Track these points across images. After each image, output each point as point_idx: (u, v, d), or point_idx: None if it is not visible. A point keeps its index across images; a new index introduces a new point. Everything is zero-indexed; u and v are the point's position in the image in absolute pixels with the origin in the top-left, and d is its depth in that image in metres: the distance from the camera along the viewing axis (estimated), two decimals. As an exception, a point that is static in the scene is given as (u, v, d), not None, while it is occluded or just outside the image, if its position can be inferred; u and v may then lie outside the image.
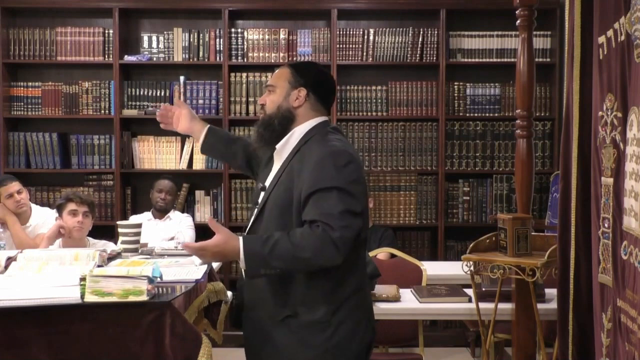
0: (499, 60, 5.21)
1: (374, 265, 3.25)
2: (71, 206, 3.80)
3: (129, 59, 5.19)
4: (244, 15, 5.37)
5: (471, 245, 3.18)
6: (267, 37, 5.22)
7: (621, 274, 2.28)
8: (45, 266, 2.49)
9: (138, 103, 5.25)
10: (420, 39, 5.18)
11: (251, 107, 5.21)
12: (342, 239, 2.06)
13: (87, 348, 2.02)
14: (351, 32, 5.20)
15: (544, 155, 5.22)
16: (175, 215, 4.95)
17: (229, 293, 2.89)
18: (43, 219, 4.38)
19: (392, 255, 4.21)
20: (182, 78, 5.23)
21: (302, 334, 2.16)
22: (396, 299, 3.32)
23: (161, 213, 4.93)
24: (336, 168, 2.13)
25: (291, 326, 2.17)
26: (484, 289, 3.33)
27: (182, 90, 5.23)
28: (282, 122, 2.28)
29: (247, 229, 2.33)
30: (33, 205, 4.55)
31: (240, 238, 2.11)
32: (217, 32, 5.21)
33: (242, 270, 2.14)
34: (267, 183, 2.30)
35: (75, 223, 3.78)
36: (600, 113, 2.51)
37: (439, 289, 3.47)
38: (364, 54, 5.21)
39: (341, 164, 2.14)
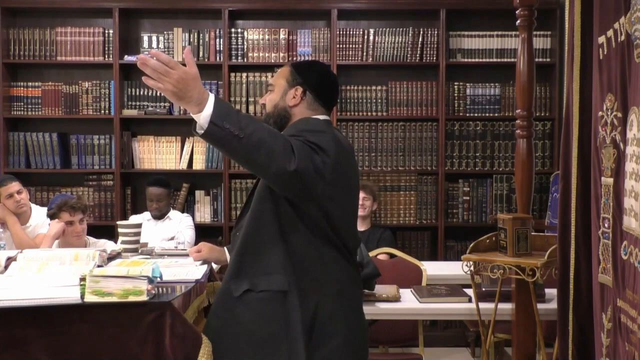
0: (499, 60, 5.21)
1: (374, 265, 3.25)
2: (65, 217, 3.80)
3: (129, 59, 5.19)
4: (244, 15, 5.37)
5: (471, 245, 3.18)
6: (267, 37, 5.22)
7: (621, 274, 2.28)
8: (45, 266, 2.49)
9: (138, 103, 5.25)
10: (420, 39, 5.18)
11: (251, 107, 5.21)
12: (298, 150, 1.99)
13: (87, 348, 2.02)
14: (351, 32, 5.20)
15: (544, 155, 5.22)
16: (174, 215, 4.95)
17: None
18: (43, 219, 4.38)
19: (392, 255, 4.21)
20: (182, 78, 5.21)
21: (260, 308, 2.13)
22: (396, 299, 3.32)
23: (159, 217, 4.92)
24: (306, 130, 2.12)
25: (249, 301, 2.14)
26: (484, 289, 3.33)
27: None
28: (278, 121, 2.27)
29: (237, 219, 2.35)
30: (33, 205, 4.55)
31: (211, 93, 1.96)
32: (217, 32, 5.21)
33: (199, 126, 1.93)
34: None
35: (74, 233, 3.79)
36: (600, 113, 2.51)
37: (439, 289, 3.47)
38: (364, 54, 5.21)
39: (309, 129, 2.14)
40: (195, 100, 1.90)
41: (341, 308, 2.20)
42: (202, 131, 1.92)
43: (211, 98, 1.91)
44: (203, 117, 1.90)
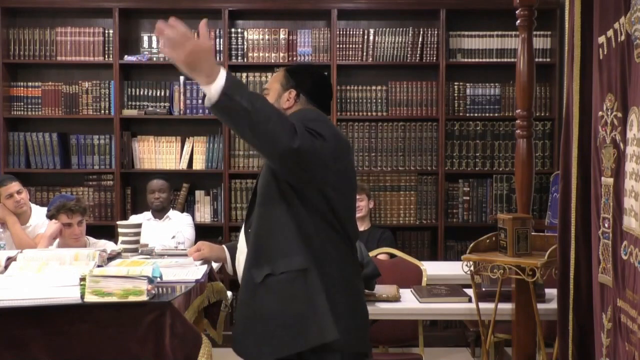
0: (499, 60, 5.21)
1: (374, 265, 3.25)
2: (63, 219, 3.80)
3: (129, 59, 5.19)
4: (244, 15, 5.37)
5: (471, 245, 3.17)
6: (267, 37, 5.22)
7: (621, 274, 2.28)
8: (45, 266, 2.49)
9: (138, 103, 5.25)
10: (420, 39, 5.18)
11: (251, 107, 5.20)
12: (299, 130, 2.04)
13: (87, 348, 2.03)
14: (351, 32, 5.20)
15: (544, 155, 5.22)
16: (174, 214, 4.95)
17: (229, 293, 2.89)
18: (43, 219, 4.38)
19: (392, 255, 4.21)
20: (182, 78, 5.23)
21: (283, 290, 2.17)
22: (396, 299, 3.32)
23: (160, 213, 4.93)
24: (304, 119, 2.16)
25: (271, 284, 2.17)
26: (484, 289, 3.33)
27: (182, 90, 5.23)
28: None
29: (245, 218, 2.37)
30: (33, 206, 4.55)
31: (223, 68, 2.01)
32: (217, 32, 5.21)
33: (208, 98, 1.97)
34: None
35: (72, 235, 3.78)
36: (600, 113, 2.51)
37: (439, 289, 3.47)
38: (364, 54, 5.21)
39: (306, 117, 2.18)
40: (205, 72, 1.94)
41: (344, 293, 2.22)
42: (212, 102, 1.96)
43: (223, 71, 1.95)
44: (214, 89, 1.94)
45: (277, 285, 2.17)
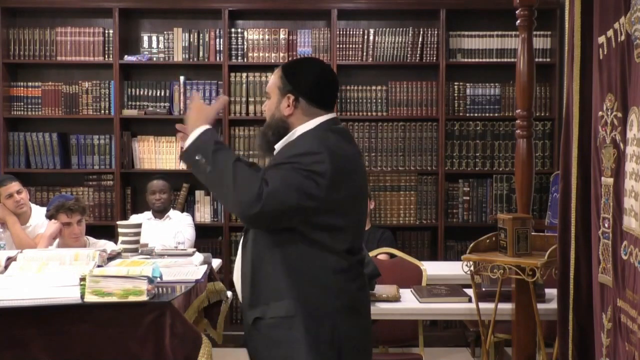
0: (499, 60, 5.21)
1: (374, 266, 3.25)
2: (63, 218, 3.79)
3: (129, 59, 5.19)
4: (244, 15, 5.37)
5: (471, 245, 3.18)
6: (267, 37, 5.22)
7: (621, 274, 2.28)
8: (45, 266, 2.49)
9: (138, 103, 5.25)
10: (420, 39, 5.18)
11: (251, 107, 5.21)
12: (270, 195, 1.99)
13: (87, 348, 2.03)
14: (351, 32, 5.20)
15: (544, 155, 5.22)
16: (175, 214, 4.95)
17: (229, 293, 2.89)
18: (43, 219, 4.38)
19: (392, 255, 4.21)
20: (182, 78, 5.23)
21: (269, 334, 2.14)
22: (396, 299, 3.32)
23: (161, 213, 4.93)
24: (298, 155, 2.10)
25: (260, 327, 2.15)
26: (484, 289, 3.33)
27: (181, 90, 5.23)
28: (276, 132, 2.24)
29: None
30: (33, 206, 4.55)
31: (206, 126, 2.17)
32: (217, 32, 5.21)
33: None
34: None
35: (71, 235, 3.78)
36: (600, 113, 2.51)
37: (439, 289, 3.47)
38: (364, 54, 5.21)
39: (302, 152, 2.11)
40: (190, 128, 2.17)
41: (352, 328, 2.19)
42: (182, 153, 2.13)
43: (198, 130, 2.13)
44: (187, 143, 2.14)
45: (265, 329, 2.15)
